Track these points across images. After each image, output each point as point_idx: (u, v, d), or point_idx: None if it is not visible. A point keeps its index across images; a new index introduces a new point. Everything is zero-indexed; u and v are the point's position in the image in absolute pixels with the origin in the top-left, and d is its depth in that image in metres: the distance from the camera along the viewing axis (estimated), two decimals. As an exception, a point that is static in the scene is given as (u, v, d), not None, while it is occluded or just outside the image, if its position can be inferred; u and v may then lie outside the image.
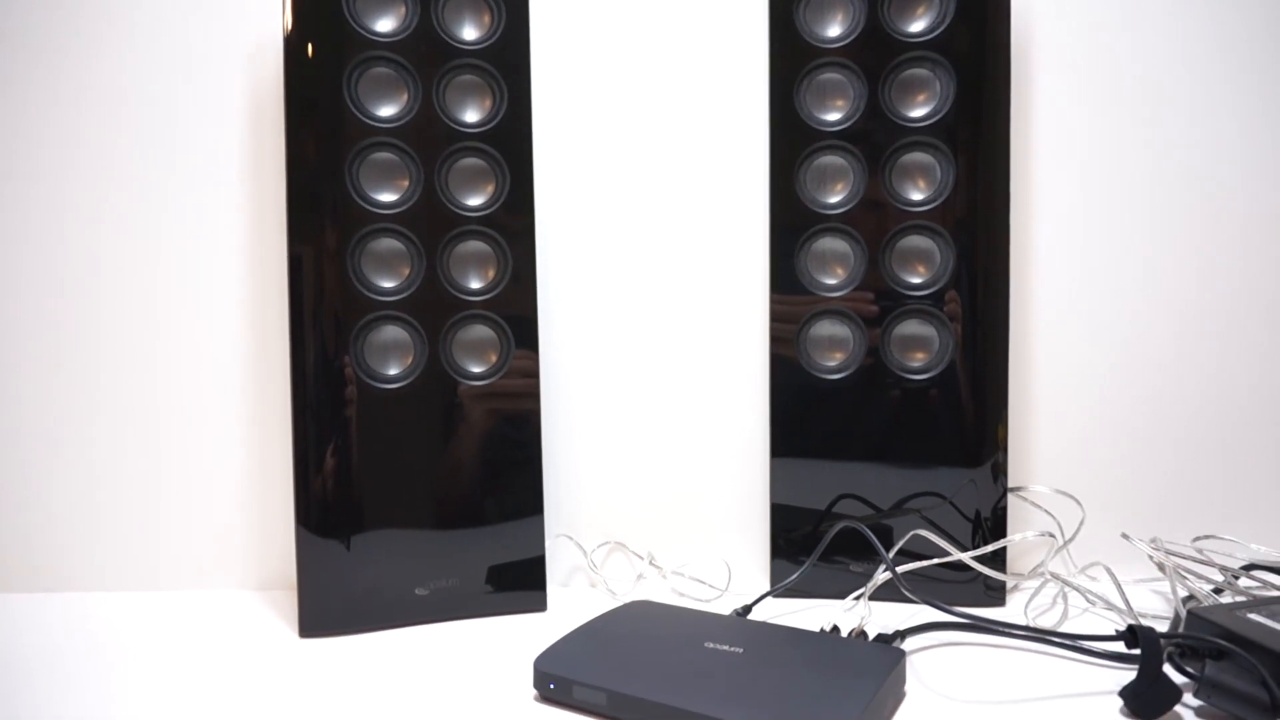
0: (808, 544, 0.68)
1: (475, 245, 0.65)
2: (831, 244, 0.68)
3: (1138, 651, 0.51)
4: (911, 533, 0.65)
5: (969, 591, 0.67)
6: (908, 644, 0.60)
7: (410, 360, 0.64)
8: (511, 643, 0.61)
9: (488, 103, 0.65)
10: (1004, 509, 0.67)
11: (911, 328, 0.67)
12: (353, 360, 0.62)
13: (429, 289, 0.64)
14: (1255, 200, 0.70)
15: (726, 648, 0.54)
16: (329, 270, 0.62)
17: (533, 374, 0.66)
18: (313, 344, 0.62)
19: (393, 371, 0.64)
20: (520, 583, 0.66)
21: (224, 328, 0.70)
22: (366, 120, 0.62)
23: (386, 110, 0.63)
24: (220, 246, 0.70)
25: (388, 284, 0.63)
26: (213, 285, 0.70)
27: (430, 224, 0.63)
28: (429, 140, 0.63)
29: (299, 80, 0.61)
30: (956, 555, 0.64)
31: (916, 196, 0.66)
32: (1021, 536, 0.65)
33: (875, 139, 0.66)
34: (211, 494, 0.71)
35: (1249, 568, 0.65)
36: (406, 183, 0.63)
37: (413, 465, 0.64)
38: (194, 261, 0.70)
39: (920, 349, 0.67)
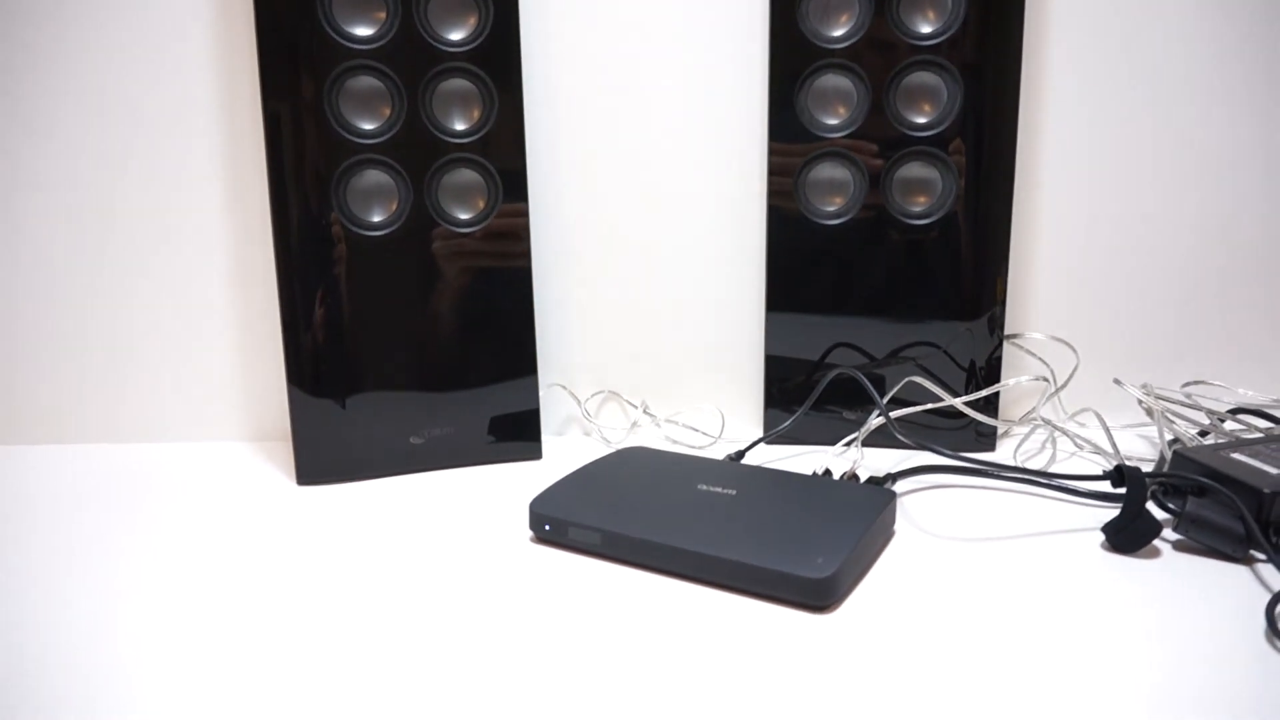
0: (801, 394, 0.69)
1: (459, 84, 0.62)
2: (834, 81, 0.65)
3: (1122, 491, 0.53)
4: (906, 379, 0.66)
5: (961, 437, 0.68)
6: (898, 486, 0.61)
7: (395, 207, 0.63)
8: (507, 488, 0.62)
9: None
10: (999, 358, 0.67)
11: (914, 170, 0.65)
12: (336, 207, 0.61)
13: (411, 130, 0.62)
14: (1269, 42, 0.68)
15: (719, 489, 0.54)
16: (307, 120, 0.60)
17: (522, 214, 0.65)
18: (295, 196, 0.60)
19: (377, 218, 0.62)
20: (515, 432, 0.67)
21: (206, 184, 0.68)
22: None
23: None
24: (197, 104, 0.67)
25: (368, 125, 0.61)
26: (191, 143, 0.68)
27: (410, 60, 0.61)
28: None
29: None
30: (949, 401, 0.64)
31: (925, 29, 0.64)
32: (1016, 381, 0.66)
33: (883, -33, 0.63)
34: (202, 350, 0.71)
35: (1235, 411, 0.66)
36: (383, 15, 0.60)
37: (403, 316, 0.64)
38: (173, 121, 0.67)
39: (922, 192, 0.66)
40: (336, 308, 0.62)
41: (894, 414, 0.65)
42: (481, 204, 0.64)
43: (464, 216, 0.64)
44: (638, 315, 0.73)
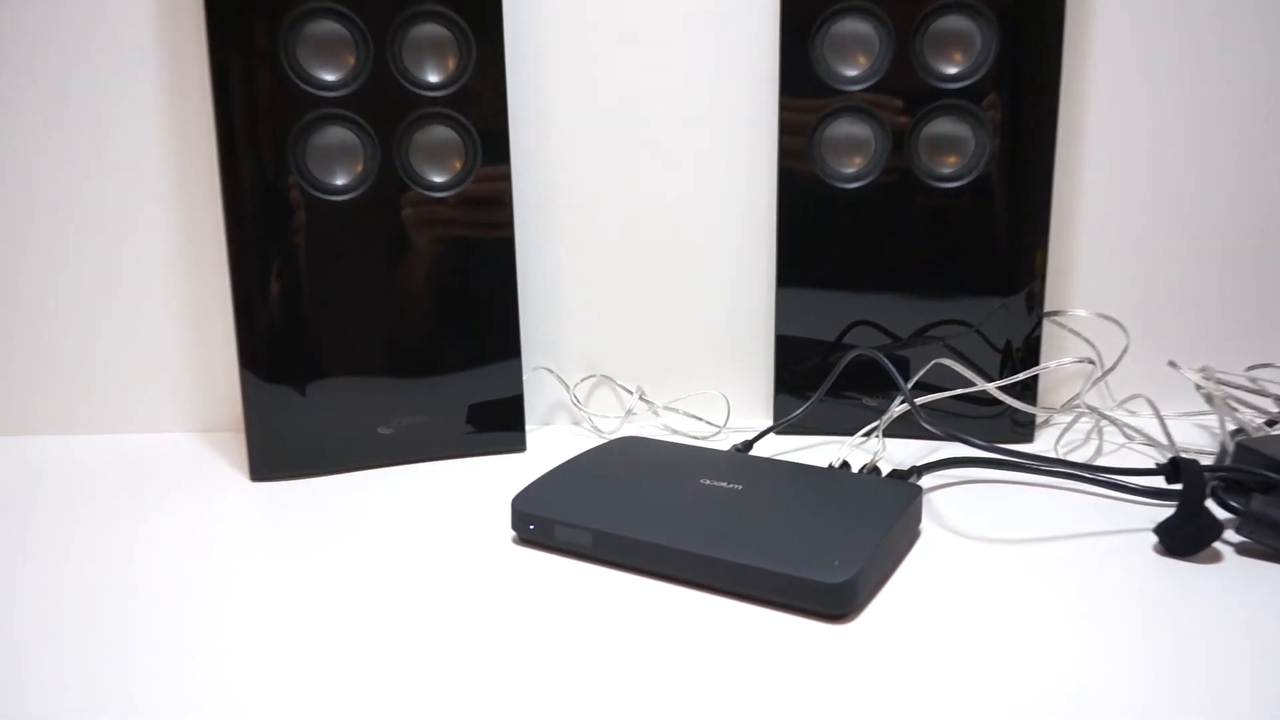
0: (815, 378, 0.69)
1: (432, 29, 0.62)
2: (853, 26, 0.65)
3: (1178, 486, 0.52)
4: (933, 362, 0.66)
5: (995, 427, 0.68)
6: (925, 481, 0.61)
7: (360, 168, 0.62)
8: (487, 483, 0.62)
9: None
10: (1038, 338, 0.67)
11: (943, 127, 0.65)
12: (293, 168, 0.61)
13: (378, 82, 0.61)
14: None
15: (724, 484, 0.54)
16: (261, 70, 0.59)
17: (504, 177, 0.65)
18: (246, 157, 0.60)
19: (340, 181, 0.62)
20: (496, 422, 0.67)
21: (145, 144, 0.68)
22: None
23: None
24: (135, 53, 0.67)
25: (329, 76, 0.61)
26: (129, 98, 0.67)
27: (377, 1, 0.60)
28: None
29: None
30: (982, 385, 0.64)
31: (956, -33, 0.63)
32: (1057, 363, 0.66)
33: (909, -105, 0.62)
34: (143, 331, 0.71)
35: (1307, 398, 0.66)
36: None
37: (370, 292, 0.64)
38: (107, 73, 0.67)
39: (952, 151, 0.65)
40: (294, 282, 0.62)
41: (920, 400, 0.64)
42: (458, 165, 0.64)
43: (438, 180, 0.64)
44: (633, 291, 0.73)
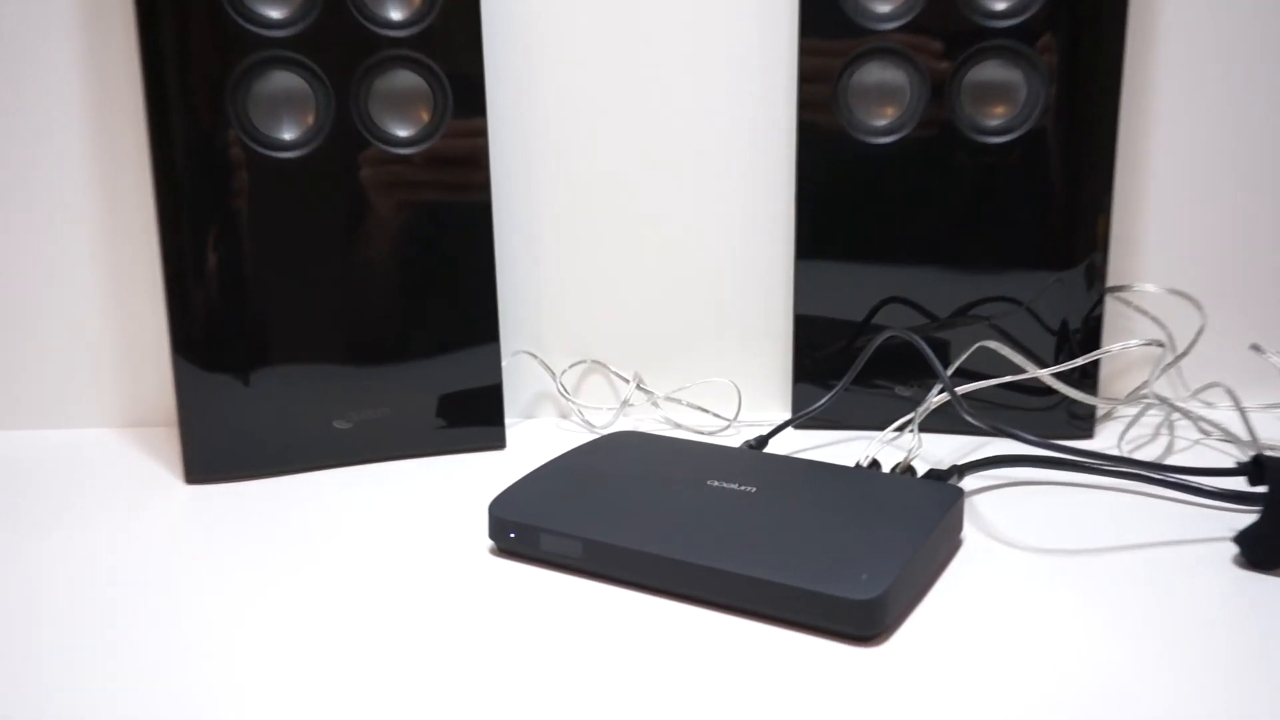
0: (841, 363, 0.69)
1: (393, -43, 0.63)
2: (885, -47, 0.65)
3: (1262, 489, 0.52)
4: (977, 345, 0.65)
5: (1048, 420, 0.68)
6: (967, 482, 0.61)
7: (311, 120, 0.62)
8: (461, 486, 0.62)
9: None
10: (1099, 318, 0.67)
11: (990, 72, 0.65)
12: (233, 121, 0.61)
13: (332, 19, 0.61)
14: None
15: (735, 486, 0.54)
16: (194, 4, 0.59)
17: (479, 132, 0.65)
18: (178, 107, 0.60)
19: (288, 136, 0.62)
20: (471, 414, 0.67)
21: (60, 95, 0.68)
22: None
23: None
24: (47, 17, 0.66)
25: (275, 13, 0.60)
26: (42, 41, 0.67)
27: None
28: None
29: None
30: (1033, 372, 0.64)
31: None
32: (1122, 346, 0.66)
33: None
34: (61, 312, 0.71)
35: None
36: None
37: (323, 265, 0.64)
38: (15, 16, 0.67)
39: (1000, 100, 0.65)
40: (235, 255, 0.62)
41: (961, 389, 0.64)
42: (425, 117, 0.64)
43: (402, 134, 0.64)
44: (629, 264, 0.73)
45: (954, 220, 0.67)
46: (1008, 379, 0.65)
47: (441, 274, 0.66)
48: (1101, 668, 0.43)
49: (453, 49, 0.63)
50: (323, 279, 0.64)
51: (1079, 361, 0.65)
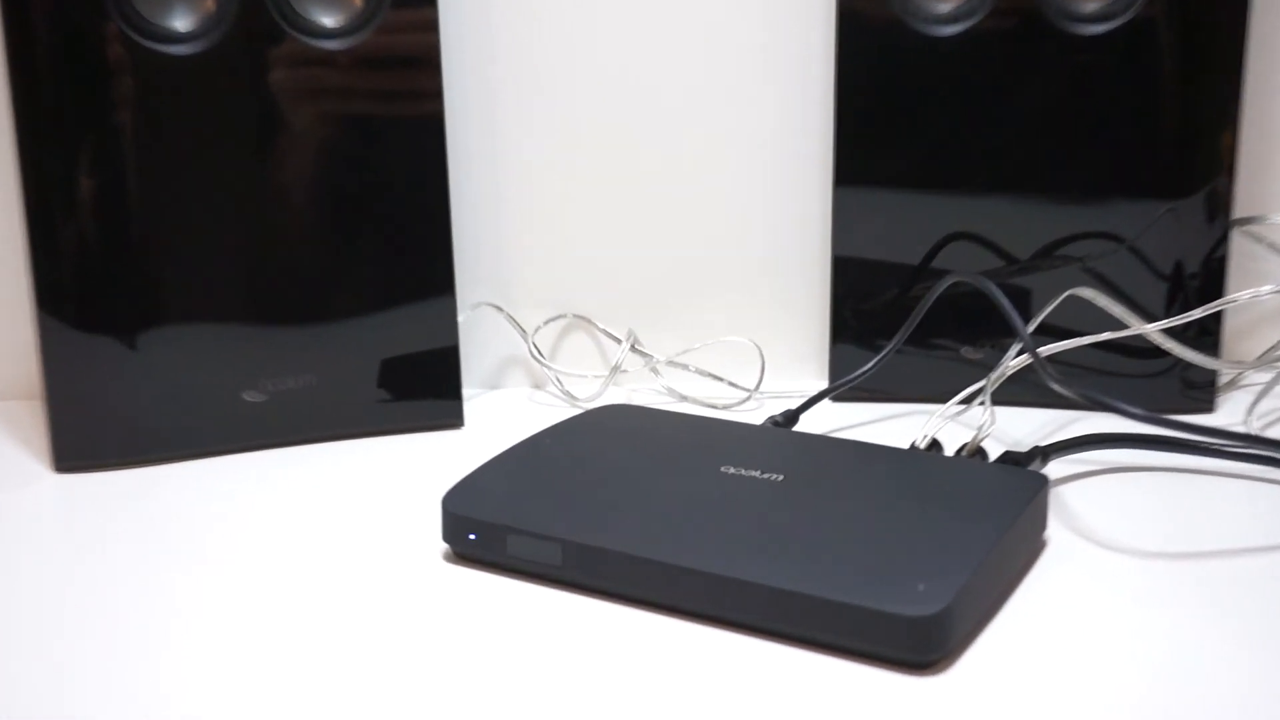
0: (891, 318, 0.68)
1: None
2: None
3: None
4: (1066, 294, 0.65)
5: (1157, 389, 0.69)
6: (1053, 468, 0.60)
7: (211, 4, 0.62)
8: (407, 474, 0.63)
9: None
10: (1221, 259, 0.68)
11: (1083, -58, 0.65)
12: (112, 7, 0.60)
13: None
14: None
15: (757, 474, 0.54)
16: None
17: (428, 26, 0.65)
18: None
19: (180, 25, 0.62)
20: (420, 384, 0.68)
21: None
22: None
23: None
24: None
25: None
26: None
27: None
28: None
29: None
30: (1138, 328, 0.64)
31: None
32: (1252, 294, 0.66)
33: None
34: None
35: None
36: None
37: (228, 196, 0.64)
38: None
39: (1096, -20, 0.66)
40: (116, 183, 0.62)
41: (1045, 350, 0.64)
42: (358, 2, 0.64)
43: (328, 23, 0.64)
44: (622, 191, 0.74)
45: (1038, 134, 0.67)
46: (1105, 336, 0.65)
47: (380, 206, 0.66)
48: (1229, 708, 0.43)
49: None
50: (228, 213, 0.64)
51: (1196, 314, 0.65)
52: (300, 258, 0.65)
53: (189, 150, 0.63)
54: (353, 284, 0.66)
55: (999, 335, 0.68)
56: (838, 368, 0.71)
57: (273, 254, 0.65)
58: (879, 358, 0.67)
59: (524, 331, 0.74)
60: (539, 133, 0.72)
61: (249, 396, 0.65)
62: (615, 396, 0.72)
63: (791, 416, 0.64)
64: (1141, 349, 0.67)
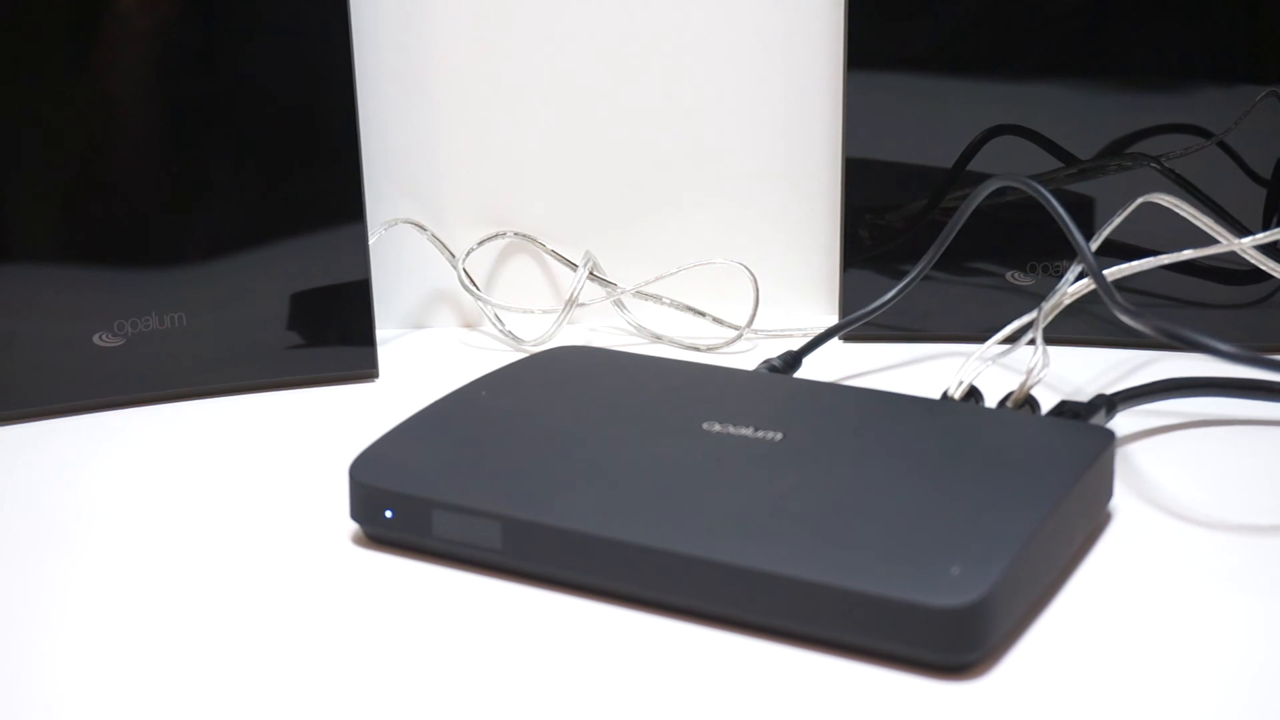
0: (916, 238, 0.69)
1: None
2: None
3: None
4: (1139, 201, 0.66)
5: (1252, 321, 0.71)
6: (1120, 421, 0.61)
7: None
8: (306, 436, 0.64)
9: None
10: None
11: None
12: None
13: None
14: None
15: (749, 432, 0.54)
16: None
17: None
18: None
19: None
20: (322, 325, 0.70)
21: None
22: None
23: None
24: None
25: None
26: None
27: None
28: None
29: None
30: (1230, 244, 0.64)
31: None
32: None
33: None
34: None
35: None
36: None
37: (65, 92, 0.65)
38: None
39: None
40: None
41: (1112, 273, 0.64)
42: None
43: None
44: (575, 78, 0.73)
45: (1099, 5, 0.67)
46: (1187, 254, 0.66)
47: (263, 101, 0.67)
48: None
49: None
50: (64, 114, 0.65)
51: (1300, 226, 0.66)
52: (157, 168, 0.66)
53: (14, 34, 0.63)
54: (230, 200, 0.67)
55: (1053, 256, 0.69)
56: (850, 299, 0.72)
57: (124, 165, 0.66)
58: (902, 285, 0.67)
59: (453, 256, 0.75)
60: (471, 5, 0.72)
61: (101, 340, 0.66)
62: (570, 337, 0.73)
63: (792, 360, 0.65)
64: (1233, 271, 0.68)
